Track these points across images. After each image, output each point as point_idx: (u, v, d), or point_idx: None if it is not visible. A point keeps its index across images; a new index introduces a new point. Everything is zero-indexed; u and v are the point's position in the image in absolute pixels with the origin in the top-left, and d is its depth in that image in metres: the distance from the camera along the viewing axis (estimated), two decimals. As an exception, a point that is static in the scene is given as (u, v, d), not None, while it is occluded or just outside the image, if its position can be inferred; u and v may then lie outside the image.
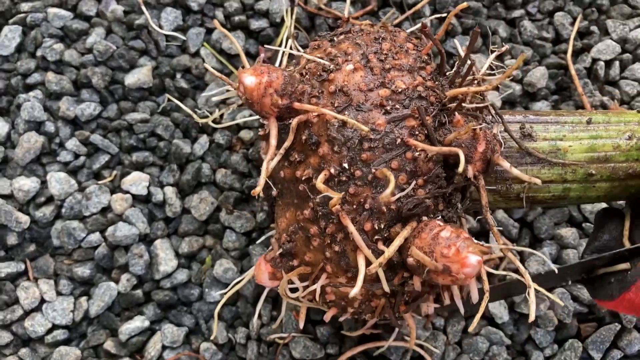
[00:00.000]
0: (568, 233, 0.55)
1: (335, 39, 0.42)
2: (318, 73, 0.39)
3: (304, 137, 0.38)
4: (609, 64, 0.60)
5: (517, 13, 0.61)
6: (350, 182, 0.37)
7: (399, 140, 0.37)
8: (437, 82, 0.39)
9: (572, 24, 0.61)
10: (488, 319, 0.53)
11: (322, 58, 0.40)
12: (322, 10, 0.58)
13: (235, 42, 0.43)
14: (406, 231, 0.36)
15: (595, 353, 0.52)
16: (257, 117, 0.51)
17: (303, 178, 0.38)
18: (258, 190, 0.35)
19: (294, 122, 0.37)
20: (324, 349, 0.52)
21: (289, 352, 0.52)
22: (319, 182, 0.36)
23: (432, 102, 0.38)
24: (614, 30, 0.61)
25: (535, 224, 0.56)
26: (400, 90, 0.38)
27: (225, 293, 0.46)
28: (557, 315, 0.52)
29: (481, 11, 0.61)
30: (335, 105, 0.37)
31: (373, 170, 0.36)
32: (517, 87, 0.59)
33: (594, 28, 0.61)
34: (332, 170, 0.37)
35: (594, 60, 0.60)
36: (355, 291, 0.34)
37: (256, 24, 0.58)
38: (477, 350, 0.52)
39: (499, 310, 0.52)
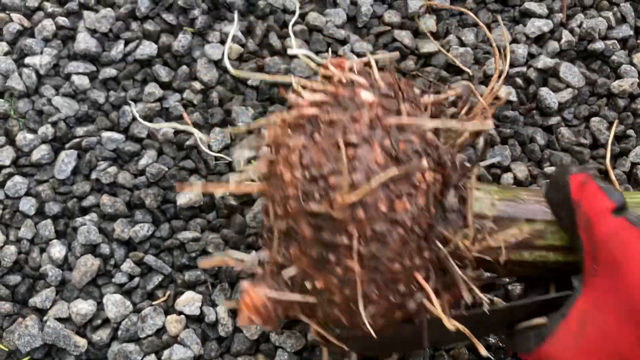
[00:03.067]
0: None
1: None
2: None
3: None
4: (648, 167, 0.61)
5: (554, 120, 0.62)
6: None
7: None
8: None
9: (608, 128, 0.63)
10: None
11: None
12: None
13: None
14: None
15: None
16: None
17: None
18: None
19: None
20: None
21: None
22: None
23: None
24: (651, 134, 0.62)
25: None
26: None
27: None
28: None
29: (518, 119, 0.62)
30: None
31: None
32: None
33: (630, 132, 0.62)
34: None
35: (633, 165, 0.61)
36: None
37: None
38: None
39: None
